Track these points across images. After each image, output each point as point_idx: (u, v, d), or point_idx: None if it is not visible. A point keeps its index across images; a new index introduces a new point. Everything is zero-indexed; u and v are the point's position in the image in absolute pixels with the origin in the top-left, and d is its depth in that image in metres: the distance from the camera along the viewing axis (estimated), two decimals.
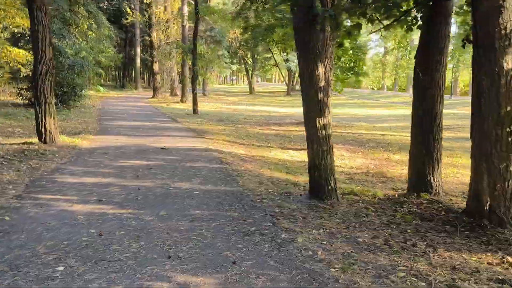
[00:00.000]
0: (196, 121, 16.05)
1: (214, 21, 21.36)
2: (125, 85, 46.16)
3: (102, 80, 48.21)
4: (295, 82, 47.09)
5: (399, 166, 9.04)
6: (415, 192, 5.68)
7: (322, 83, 5.32)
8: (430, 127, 5.59)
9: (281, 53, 44.40)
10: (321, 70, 5.27)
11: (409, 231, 4.36)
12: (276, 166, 8.30)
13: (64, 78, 18.63)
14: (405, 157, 10.12)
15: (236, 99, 36.96)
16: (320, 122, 5.29)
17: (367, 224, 4.51)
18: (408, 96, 36.31)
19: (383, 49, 57.66)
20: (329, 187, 5.28)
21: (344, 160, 9.53)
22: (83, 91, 20.09)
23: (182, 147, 9.50)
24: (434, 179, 5.65)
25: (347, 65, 16.70)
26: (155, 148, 9.21)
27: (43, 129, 9.04)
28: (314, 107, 5.29)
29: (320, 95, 5.29)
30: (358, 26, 5.67)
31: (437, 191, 5.65)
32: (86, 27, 21.47)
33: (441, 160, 5.77)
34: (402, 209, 5.14)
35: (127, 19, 28.50)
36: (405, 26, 5.83)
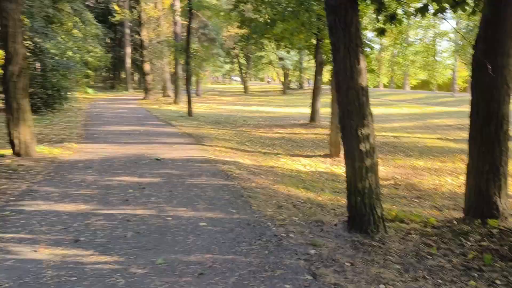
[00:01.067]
0: (192, 124, 14.81)
1: (208, 17, 20.09)
2: (115, 87, 44.67)
3: (91, 82, 46.72)
4: (289, 81, 45.89)
5: (428, 176, 7.90)
6: (476, 217, 4.52)
7: (364, 82, 4.14)
8: (495, 136, 4.43)
9: (277, 50, 43.26)
10: (363, 64, 4.09)
11: (497, 281, 3.20)
12: (290, 179, 7.11)
13: (48, 80, 17.30)
14: (430, 163, 9.02)
15: (230, 99, 35.70)
16: (363, 131, 4.12)
17: (437, 272, 3.34)
18: (406, 94, 35.30)
19: (379, 46, 56.69)
20: (376, 217, 4.10)
21: None
22: (69, 93, 18.74)
23: (179, 157, 8.27)
24: (501, 201, 4.49)
25: None
26: (148, 159, 7.98)
27: (16, 140, 7.75)
28: (355, 112, 4.12)
29: (362, 98, 4.12)
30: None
31: (505, 216, 4.50)
32: (71, 25, 20.07)
33: (508, 177, 4.62)
34: (470, 244, 3.97)
35: (115, 16, 27.07)
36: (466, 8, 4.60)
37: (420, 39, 48.53)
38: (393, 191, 6.81)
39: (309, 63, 51.20)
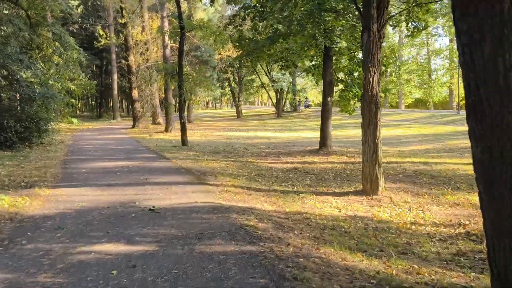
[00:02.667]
0: (188, 156, 12.99)
1: (201, 38, 18.57)
2: (102, 115, 42.83)
3: (77, 111, 44.81)
4: (283, 103, 44.47)
5: None
6: None
7: None
8: None
9: (271, 72, 42.10)
10: None
11: None
12: (332, 233, 5.30)
13: (23, 112, 15.42)
14: None
15: (224, 124, 34.05)
16: None
17: None
18: (406, 113, 33.99)
19: None
20: None
21: (416, 211, 6.60)
22: (49, 125, 16.84)
23: (179, 204, 6.43)
24: None
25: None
26: (139, 210, 6.12)
27: None
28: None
29: None
30: None
31: None
32: (50, 51, 18.34)
33: None
34: None
35: (99, 41, 25.45)
36: None
37: (413, 58, 47.94)
38: (471, 246, 5.02)
39: (306, 84, 50.15)
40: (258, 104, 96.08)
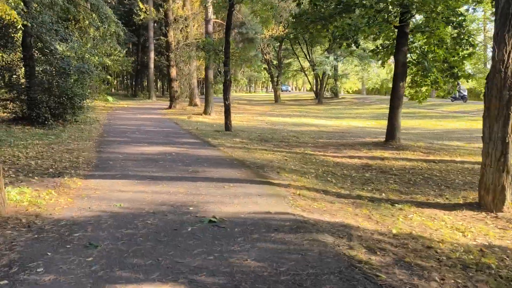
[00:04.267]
0: (235, 143, 11.43)
1: (252, 12, 16.71)
2: (137, 94, 41.96)
3: (112, 89, 44.20)
4: (324, 89, 42.13)
5: None
6: None
7: None
8: None
9: (309, 56, 39.84)
10: None
11: None
12: (480, 277, 3.55)
13: (57, 86, 14.25)
14: None
15: (262, 108, 32.37)
16: None
17: None
18: (463, 105, 30.96)
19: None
20: None
21: None
22: (84, 102, 15.66)
23: (248, 215, 4.82)
24: None
25: (443, 63, 11.89)
26: (195, 221, 4.56)
27: None
28: None
29: None
30: None
31: None
32: (87, 23, 17.05)
33: None
34: None
35: (139, 15, 24.03)
36: None
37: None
38: None
39: (346, 69, 47.48)
40: (293, 89, 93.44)
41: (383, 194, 6.47)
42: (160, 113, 23.12)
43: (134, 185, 6.25)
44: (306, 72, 45.21)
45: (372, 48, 13.40)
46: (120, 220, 4.53)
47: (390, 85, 52.11)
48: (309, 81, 48.39)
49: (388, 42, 12.61)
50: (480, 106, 28.78)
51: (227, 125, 14.52)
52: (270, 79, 43.80)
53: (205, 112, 21.05)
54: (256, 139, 12.92)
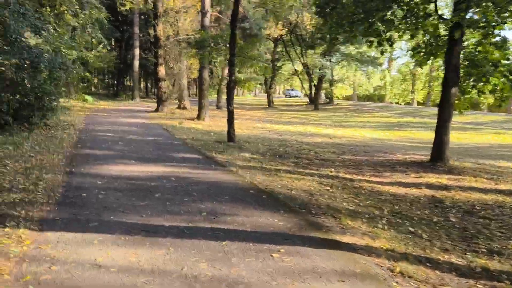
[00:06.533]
0: (246, 160, 9.02)
1: (262, 1, 14.30)
2: (118, 94, 38.93)
3: (92, 88, 41.07)
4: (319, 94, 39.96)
5: None
6: None
7: None
8: None
9: (303, 58, 37.69)
10: None
11: None
12: None
13: (21, 83, 11.54)
14: None
15: (257, 114, 29.94)
16: None
17: None
18: (475, 115, 28.87)
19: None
20: None
21: None
22: (55, 102, 12.96)
23: None
24: None
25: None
26: None
27: None
28: None
29: None
30: None
31: None
32: (64, 8, 14.35)
33: None
34: None
35: (124, 4, 21.25)
36: None
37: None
38: None
39: (344, 73, 45.56)
40: (278, 94, 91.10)
41: (466, 253, 4.14)
42: (147, 116, 20.44)
43: (119, 248, 3.76)
44: (300, 76, 43.06)
45: (412, 47, 11.13)
46: None
47: (383, 92, 50.05)
48: (302, 86, 46.19)
49: (432, 40, 10.39)
50: (489, 117, 26.75)
51: (230, 135, 12.06)
52: (260, 82, 41.37)
53: (199, 117, 18.50)
54: (268, 153, 10.52)
